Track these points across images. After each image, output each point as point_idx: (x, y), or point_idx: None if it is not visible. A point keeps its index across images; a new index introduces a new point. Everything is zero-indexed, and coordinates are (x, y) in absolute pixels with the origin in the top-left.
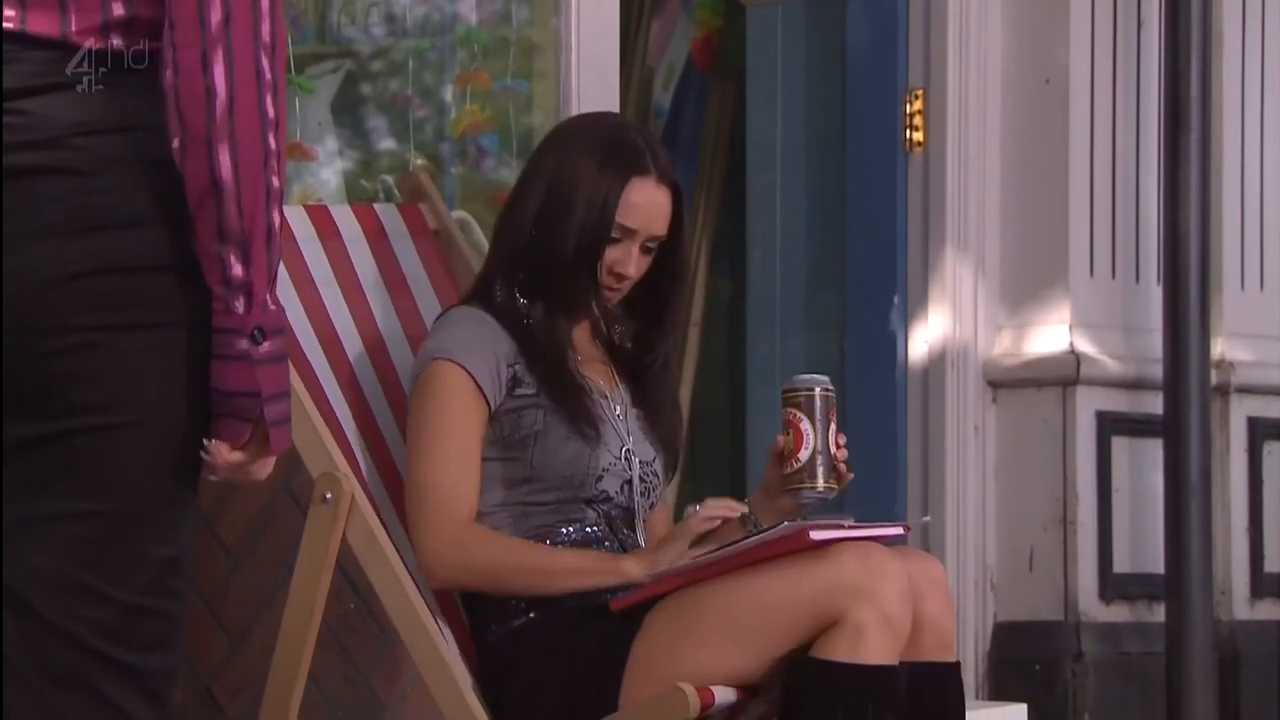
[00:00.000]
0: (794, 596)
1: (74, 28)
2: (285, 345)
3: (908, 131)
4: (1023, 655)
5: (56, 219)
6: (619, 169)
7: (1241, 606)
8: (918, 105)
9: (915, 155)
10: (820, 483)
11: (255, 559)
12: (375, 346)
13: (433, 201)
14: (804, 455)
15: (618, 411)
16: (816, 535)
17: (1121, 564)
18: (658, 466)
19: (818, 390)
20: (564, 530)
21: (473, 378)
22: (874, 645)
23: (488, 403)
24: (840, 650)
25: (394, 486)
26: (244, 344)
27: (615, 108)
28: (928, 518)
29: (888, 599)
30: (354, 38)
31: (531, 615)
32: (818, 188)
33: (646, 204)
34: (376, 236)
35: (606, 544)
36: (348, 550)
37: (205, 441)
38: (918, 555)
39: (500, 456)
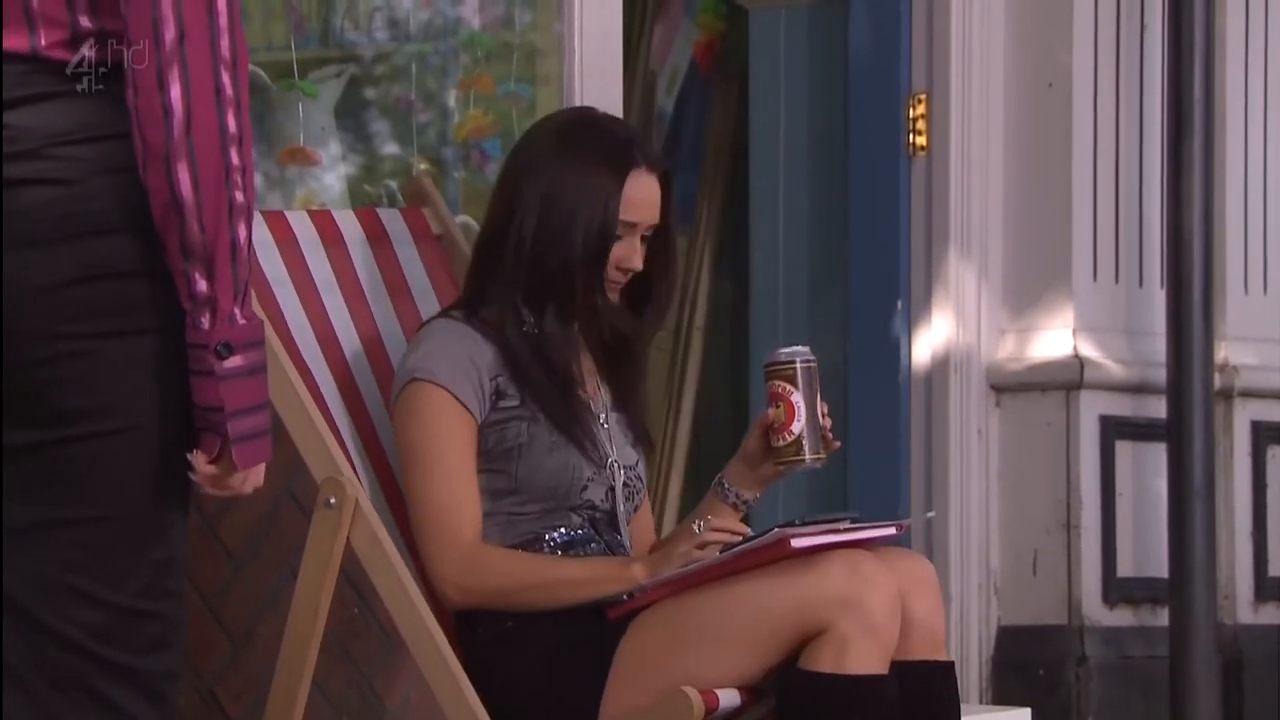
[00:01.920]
0: (780, 606)
1: (43, 42)
2: (261, 359)
3: (910, 135)
4: (1026, 659)
5: (40, 228)
6: (613, 168)
7: (1245, 610)
8: (920, 109)
9: (918, 159)
10: (810, 454)
11: (258, 562)
12: (377, 351)
13: (436, 206)
14: (796, 428)
15: (601, 419)
16: (798, 543)
17: (1125, 568)
18: (640, 470)
19: (799, 362)
20: (549, 536)
21: (455, 396)
22: (859, 656)
23: (474, 416)
24: (825, 661)
25: (392, 491)
26: (210, 360)
27: (619, 112)
28: (931, 513)
29: (874, 609)
30: (357, 42)
31: (520, 618)
32: (820, 191)
33: (644, 197)
34: (379, 241)
35: (593, 545)
36: (351, 555)
37: (189, 453)
38: (906, 556)
39: (485, 468)
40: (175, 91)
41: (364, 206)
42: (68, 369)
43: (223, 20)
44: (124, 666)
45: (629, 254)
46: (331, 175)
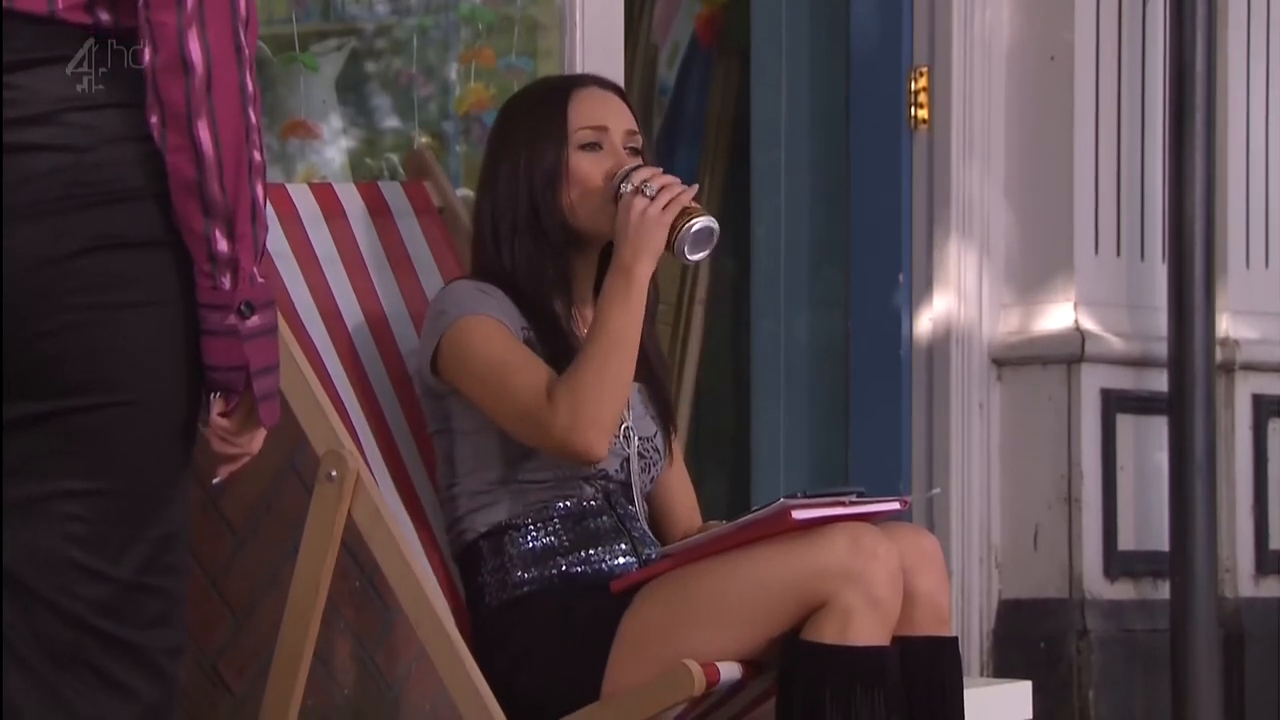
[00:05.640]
0: (782, 579)
1: (60, 4)
2: (275, 318)
3: (912, 109)
4: (1027, 633)
5: (49, 196)
6: (553, 95)
7: (1246, 583)
8: (922, 82)
9: (920, 133)
10: (698, 217)
11: (260, 537)
12: (379, 324)
13: (437, 179)
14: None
15: None
16: (799, 515)
17: (1126, 541)
18: (658, 442)
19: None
20: (560, 504)
21: (500, 321)
22: (862, 627)
23: (521, 339)
24: (828, 632)
25: (395, 463)
26: (232, 319)
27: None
28: (937, 489)
29: (876, 581)
30: (358, 15)
31: (528, 589)
32: (822, 165)
33: (595, 103)
34: (381, 214)
35: (604, 517)
36: (353, 527)
37: (201, 412)
38: (910, 530)
39: (501, 433)
40: (196, 50)
41: (365, 180)
42: (73, 340)
43: None
44: (126, 642)
45: (616, 159)
46: (333, 149)
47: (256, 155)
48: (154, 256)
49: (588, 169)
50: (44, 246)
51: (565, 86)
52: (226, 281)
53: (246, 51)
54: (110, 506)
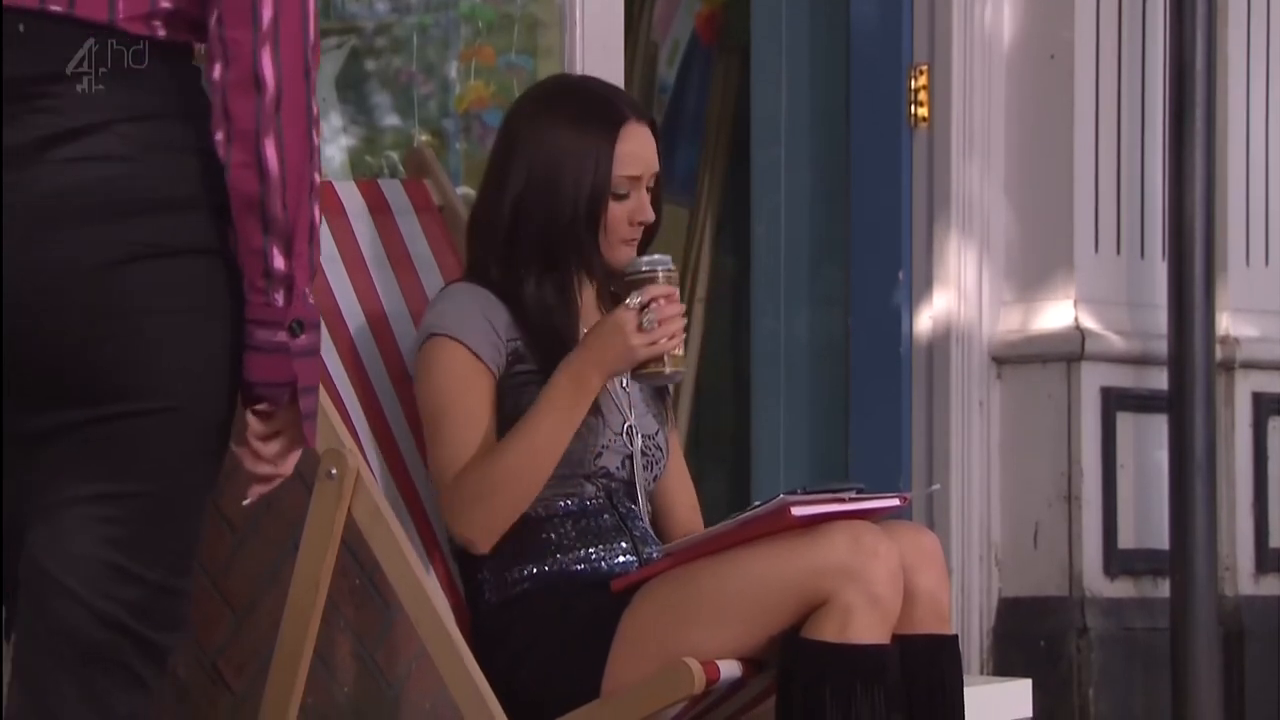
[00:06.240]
0: (783, 577)
1: (122, 14)
2: (319, 340)
3: (912, 107)
4: (1027, 631)
5: (100, 204)
6: (603, 126)
7: (1246, 582)
8: (922, 80)
9: (920, 130)
10: (669, 366)
11: (260, 535)
12: (379, 322)
13: (437, 177)
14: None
15: (623, 383)
16: (798, 511)
17: (1126, 539)
18: (660, 440)
19: (662, 271)
20: (561, 503)
21: (470, 350)
22: (862, 625)
23: (489, 369)
24: (828, 631)
25: (395, 462)
26: (283, 336)
27: (620, 83)
28: (937, 485)
29: (876, 579)
30: (358, 13)
31: (528, 587)
32: (822, 163)
33: (639, 148)
34: (381, 212)
35: (606, 516)
36: (353, 525)
37: (235, 426)
38: (910, 528)
39: (501, 432)
40: (269, 68)
41: (365, 178)
42: (116, 347)
43: (311, 5)
44: (153, 642)
45: (639, 207)
46: (333, 147)
47: (316, 176)
48: (199, 266)
49: (617, 215)
50: (94, 254)
51: (615, 120)
52: (280, 298)
53: (313, 74)
54: (148, 511)
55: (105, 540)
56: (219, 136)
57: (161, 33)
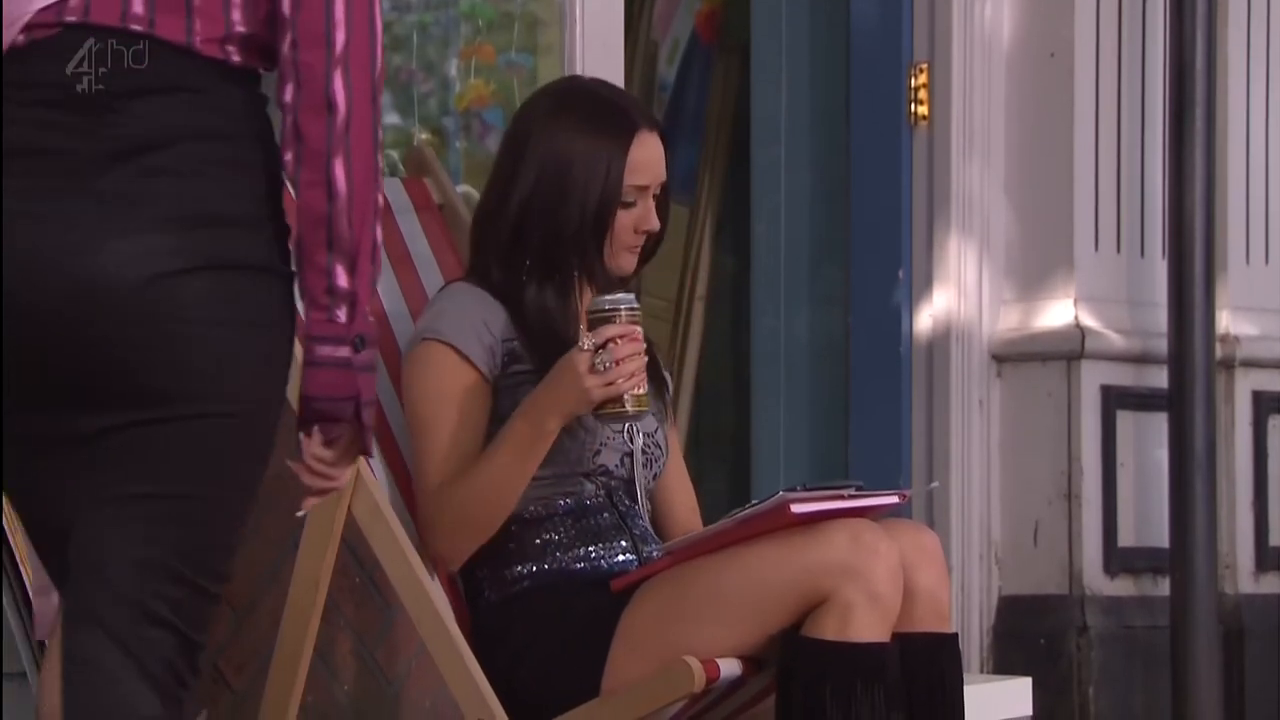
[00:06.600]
0: (783, 575)
1: (199, 36)
2: (376, 356)
3: (912, 105)
4: (1027, 629)
5: (165, 216)
6: (616, 134)
7: (1246, 580)
8: (922, 79)
9: (920, 129)
10: (630, 406)
11: (260, 534)
12: (379, 321)
13: (436, 176)
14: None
15: None
16: (798, 508)
17: (1126, 538)
18: (660, 438)
19: (624, 309)
20: (561, 501)
21: (462, 353)
22: (862, 623)
23: (481, 374)
24: (829, 629)
25: (395, 460)
26: (345, 351)
27: (620, 82)
28: (935, 483)
29: (877, 577)
30: None
31: (528, 585)
32: (822, 162)
33: (651, 157)
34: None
35: (605, 514)
36: (353, 524)
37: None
38: (910, 526)
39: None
40: (340, 91)
41: None
42: (168, 353)
43: (379, 29)
44: (193, 642)
45: (645, 215)
46: None
47: (380, 197)
48: (260, 280)
49: (623, 222)
50: (155, 263)
51: (629, 128)
52: (343, 315)
53: (379, 98)
54: (191, 513)
55: (149, 539)
56: (288, 156)
57: (236, 58)
